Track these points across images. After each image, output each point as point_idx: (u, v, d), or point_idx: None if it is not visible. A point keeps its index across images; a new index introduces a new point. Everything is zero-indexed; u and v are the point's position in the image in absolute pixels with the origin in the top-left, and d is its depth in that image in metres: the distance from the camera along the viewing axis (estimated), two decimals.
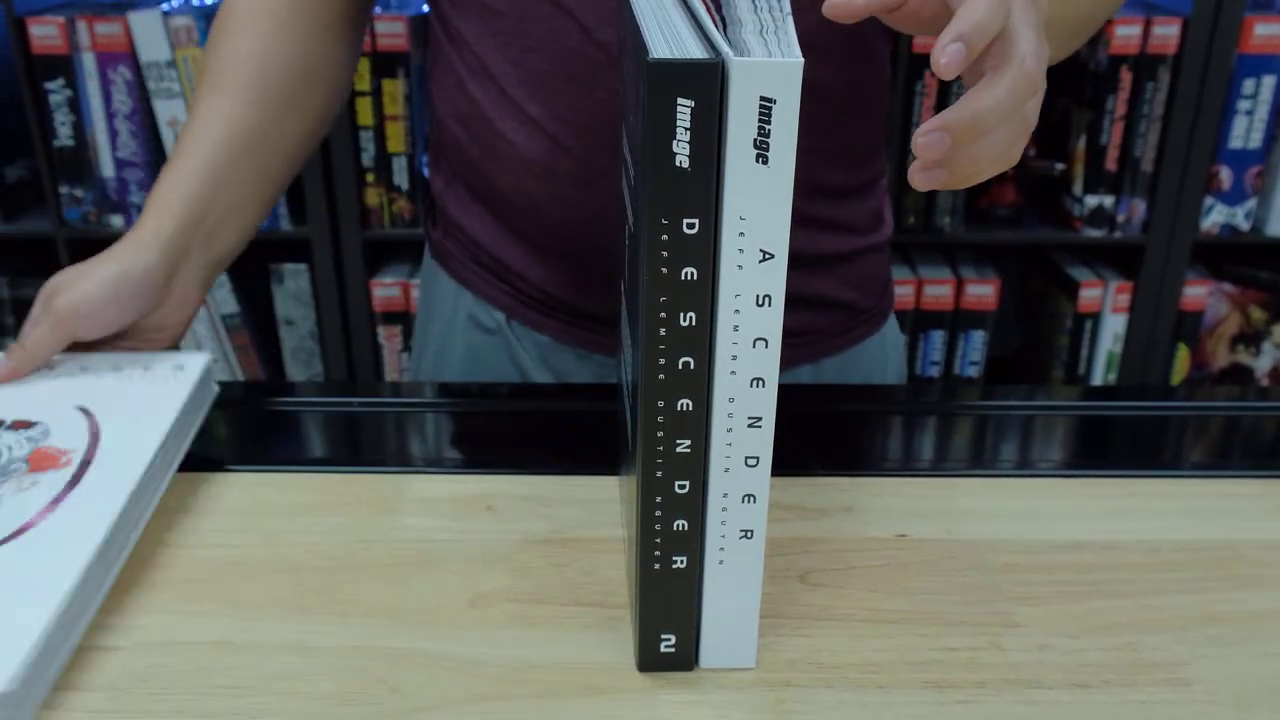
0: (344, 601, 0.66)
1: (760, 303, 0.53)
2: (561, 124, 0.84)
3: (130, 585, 0.68)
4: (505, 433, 0.87)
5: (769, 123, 0.50)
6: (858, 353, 0.99)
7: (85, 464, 0.68)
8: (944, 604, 0.66)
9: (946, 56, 0.53)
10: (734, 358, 0.54)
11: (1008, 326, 2.28)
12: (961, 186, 0.57)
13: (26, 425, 0.73)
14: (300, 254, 2.07)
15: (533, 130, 0.86)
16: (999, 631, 0.64)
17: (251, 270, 2.12)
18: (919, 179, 0.57)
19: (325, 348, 2.14)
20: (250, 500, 0.76)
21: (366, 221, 2.02)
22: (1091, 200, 1.99)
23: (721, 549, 0.58)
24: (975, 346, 2.13)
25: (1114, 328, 2.09)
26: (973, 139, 0.55)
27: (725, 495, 0.57)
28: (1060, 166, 2.03)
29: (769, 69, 0.49)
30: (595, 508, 0.75)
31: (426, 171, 1.99)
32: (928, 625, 0.65)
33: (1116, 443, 0.86)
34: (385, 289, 2.08)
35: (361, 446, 0.86)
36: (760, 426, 0.55)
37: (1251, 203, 1.99)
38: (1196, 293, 2.09)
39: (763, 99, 0.49)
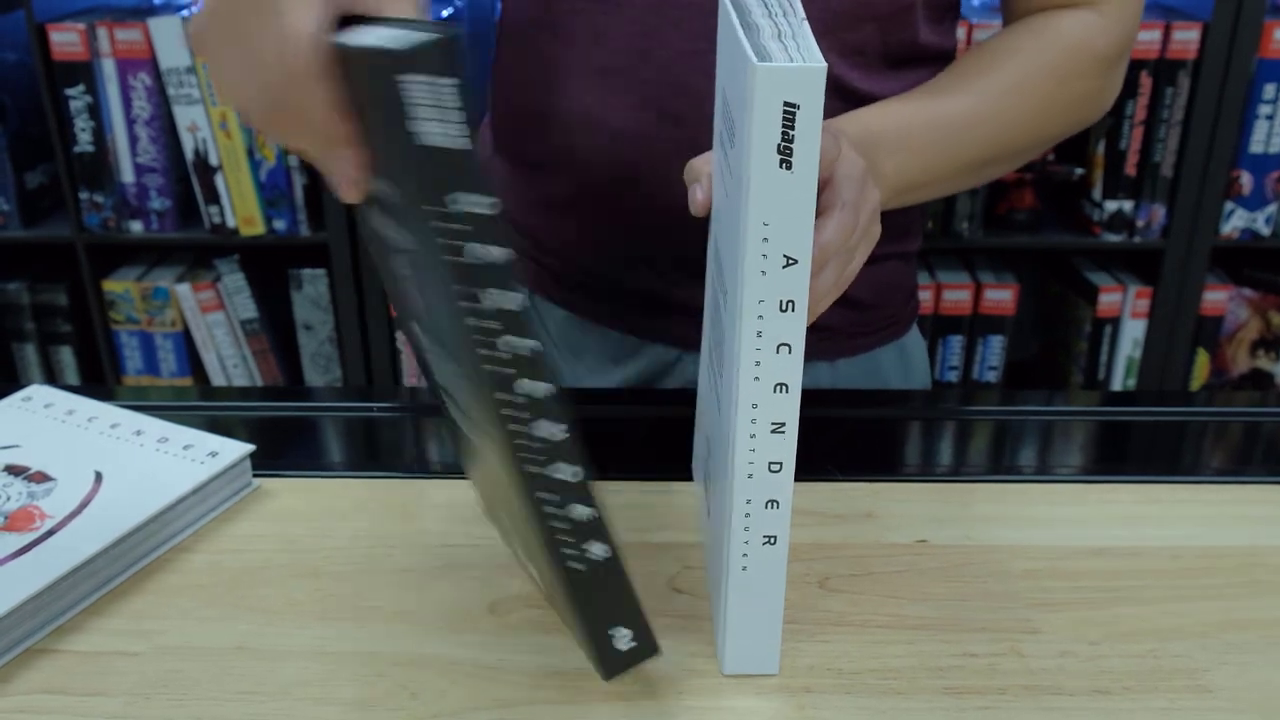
0: (363, 607, 0.67)
1: (784, 308, 0.53)
2: (618, 76, 0.86)
3: (150, 590, 0.68)
4: None
5: (792, 128, 0.50)
6: (876, 358, 0.99)
7: (49, 533, 0.68)
8: (964, 610, 0.66)
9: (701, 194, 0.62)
10: (757, 363, 0.54)
11: (1026, 332, 2.27)
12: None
13: (41, 479, 0.73)
14: (319, 259, 2.08)
15: (586, 83, 0.87)
16: (1019, 638, 0.64)
17: (270, 276, 2.12)
18: None
19: (343, 353, 2.14)
20: (270, 506, 0.76)
21: None
22: (1111, 205, 1.99)
23: (745, 554, 0.58)
24: (994, 351, 2.12)
25: (1133, 333, 2.08)
26: (815, 272, 0.61)
27: (749, 501, 0.57)
28: (1079, 171, 2.02)
29: (792, 74, 0.49)
30: (613, 513, 0.74)
31: None
32: (948, 631, 0.65)
33: (1136, 449, 0.85)
34: None
35: (381, 452, 0.86)
36: (784, 432, 0.55)
37: (1272, 208, 1.98)
38: (1216, 298, 2.08)
39: (786, 104, 0.49)
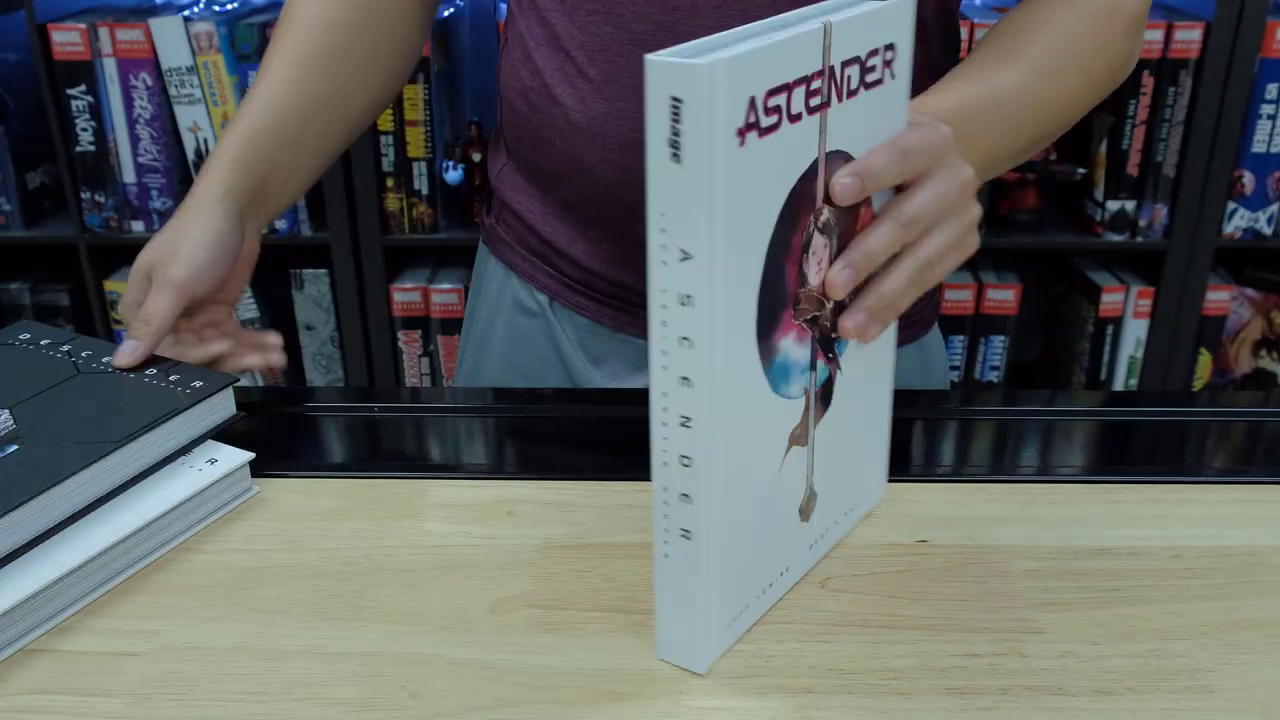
0: (364, 607, 0.66)
1: (683, 302, 0.53)
2: (618, 86, 0.86)
3: (150, 590, 0.68)
4: (526, 438, 0.87)
5: (679, 121, 0.50)
6: (896, 358, 0.98)
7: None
8: (965, 610, 0.66)
9: (841, 189, 0.60)
10: (664, 353, 0.55)
11: (1029, 332, 2.27)
12: (883, 319, 0.64)
13: None
14: (320, 259, 2.08)
15: (589, 93, 0.87)
16: (1021, 638, 0.64)
17: (272, 276, 2.13)
18: (850, 327, 0.63)
19: (345, 353, 2.14)
20: (271, 506, 0.76)
21: (386, 227, 2.03)
22: (1113, 205, 1.99)
23: (666, 543, 0.59)
24: (996, 351, 2.12)
25: (1135, 333, 2.08)
26: (865, 272, 0.62)
27: (665, 489, 0.57)
28: (1081, 171, 2.02)
29: (677, 70, 0.50)
30: (616, 513, 0.74)
31: (447, 175, 2.01)
32: (949, 632, 0.64)
33: (1138, 449, 0.85)
34: (405, 294, 2.08)
35: (382, 452, 0.86)
36: (691, 427, 0.55)
37: (1274, 207, 1.98)
38: (1219, 298, 2.08)
39: (673, 98, 0.50)
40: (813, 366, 0.62)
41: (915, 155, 0.64)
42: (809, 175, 0.58)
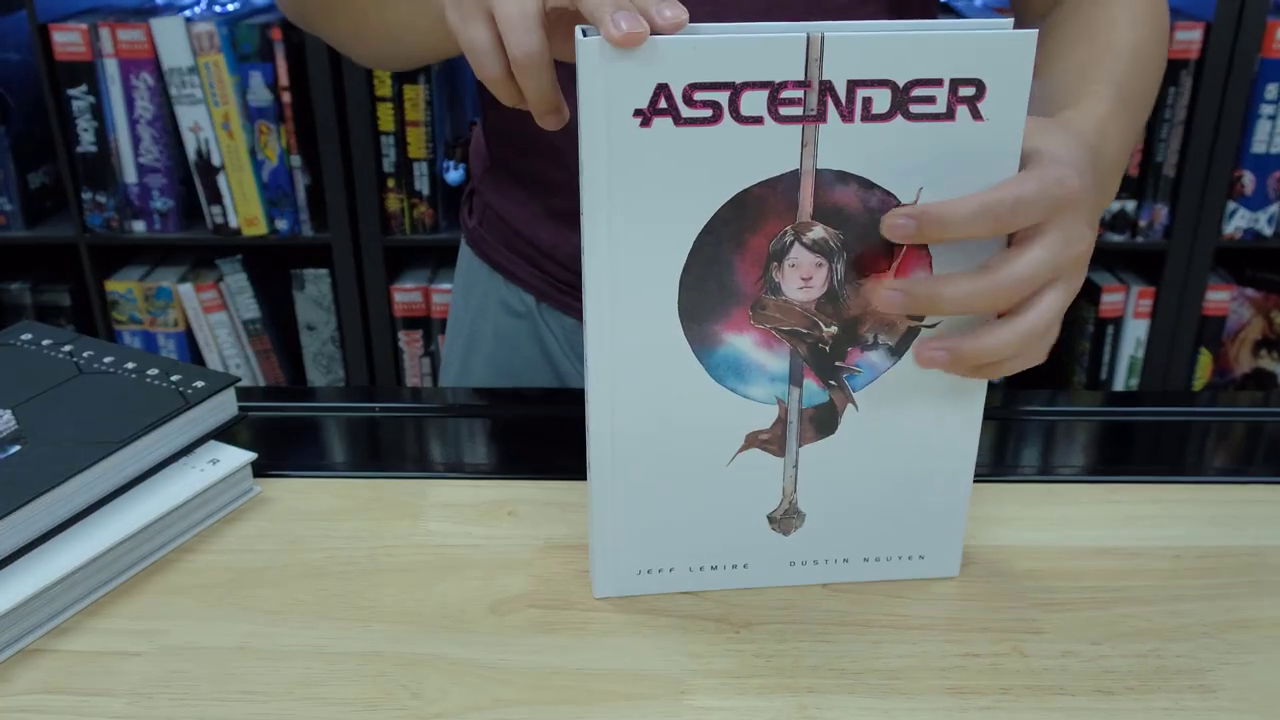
0: (365, 607, 0.67)
1: (585, 253, 0.61)
2: None
3: (152, 591, 0.68)
4: (526, 438, 0.87)
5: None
6: None
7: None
8: (966, 610, 0.66)
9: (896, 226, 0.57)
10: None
11: None
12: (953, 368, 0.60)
13: None
14: (321, 259, 2.08)
15: (569, 99, 0.87)
16: (1022, 638, 0.64)
17: (273, 276, 2.13)
18: (923, 354, 0.60)
19: (346, 353, 2.14)
20: (272, 506, 0.76)
21: (387, 227, 2.03)
22: (1113, 205, 1.99)
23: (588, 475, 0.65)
24: None
25: (1136, 333, 2.08)
26: (915, 310, 0.59)
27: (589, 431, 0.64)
28: None
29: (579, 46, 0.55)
30: None
31: (448, 175, 2.01)
32: (950, 631, 0.64)
33: (1139, 448, 0.85)
34: (406, 294, 2.08)
35: (383, 452, 0.86)
36: (589, 368, 0.63)
37: (1275, 207, 1.98)
38: (1219, 298, 2.07)
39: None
40: (794, 381, 0.62)
41: (1027, 209, 0.57)
42: (779, 183, 0.57)
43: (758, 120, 0.56)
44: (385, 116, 1.95)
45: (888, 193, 0.58)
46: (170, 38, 1.90)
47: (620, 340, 0.61)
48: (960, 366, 0.59)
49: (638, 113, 0.55)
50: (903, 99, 0.56)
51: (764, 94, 0.55)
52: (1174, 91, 1.91)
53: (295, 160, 1.98)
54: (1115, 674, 0.61)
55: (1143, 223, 1.99)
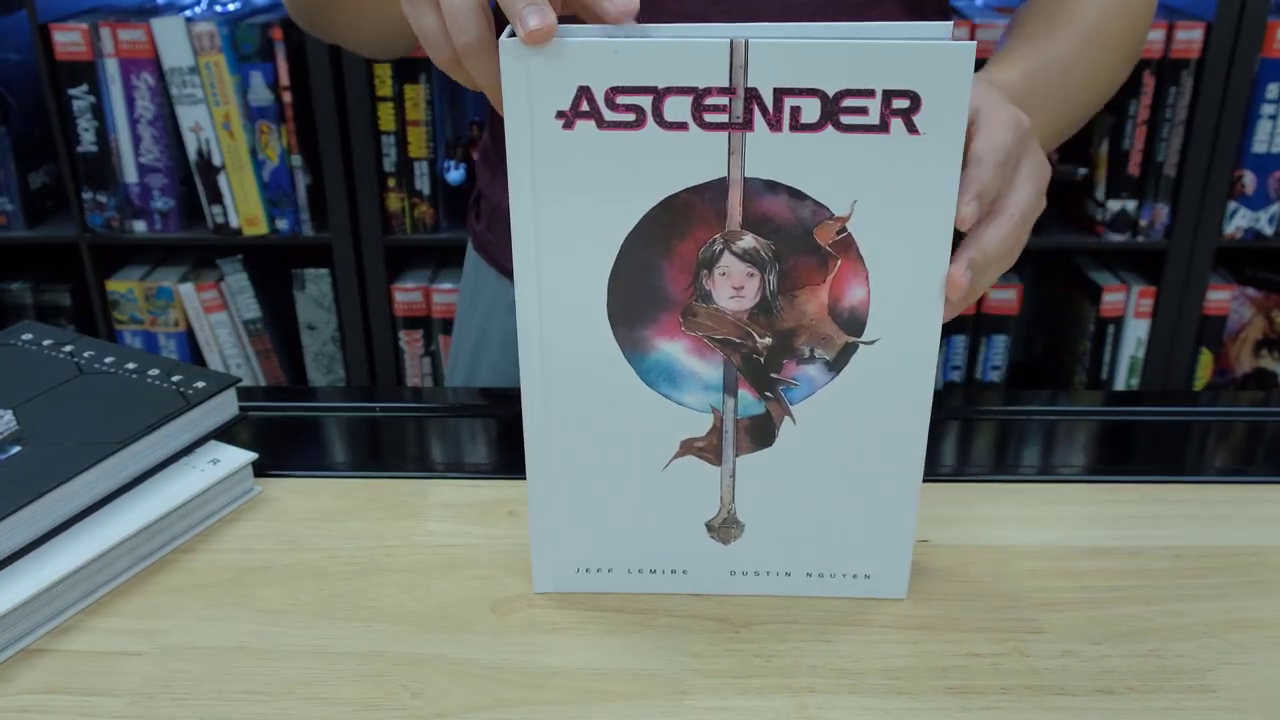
0: (366, 607, 0.67)
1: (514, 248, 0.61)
2: None
3: (152, 590, 0.68)
4: None
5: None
6: None
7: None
8: (967, 610, 0.66)
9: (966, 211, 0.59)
10: None
11: (1030, 331, 2.27)
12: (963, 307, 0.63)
13: None
14: (322, 259, 2.08)
15: None
16: (1022, 637, 0.64)
17: (273, 275, 2.13)
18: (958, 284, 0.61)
19: (347, 353, 2.14)
20: (273, 506, 0.76)
21: (388, 227, 2.03)
22: (1114, 205, 1.99)
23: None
24: (997, 351, 2.12)
25: (1137, 333, 2.08)
26: (982, 273, 0.62)
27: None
28: (1083, 171, 2.02)
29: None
30: None
31: (449, 175, 2.01)
32: (951, 631, 0.65)
33: (1139, 448, 0.85)
34: (406, 294, 2.08)
35: (383, 452, 0.86)
36: (524, 356, 0.64)
37: (1275, 207, 1.98)
38: (1220, 298, 2.07)
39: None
40: (729, 391, 0.62)
41: (1014, 155, 0.63)
42: (706, 190, 0.57)
43: (682, 126, 0.55)
44: (386, 116, 1.95)
45: (819, 204, 0.57)
46: (171, 37, 1.90)
47: (550, 340, 0.62)
48: (982, 273, 0.62)
49: (560, 114, 0.55)
50: (833, 109, 0.55)
51: (688, 100, 0.55)
52: (1175, 91, 1.91)
53: (296, 160, 1.98)
54: (1115, 674, 0.61)
55: (1143, 222, 1.99)
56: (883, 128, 0.55)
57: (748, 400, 0.62)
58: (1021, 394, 0.93)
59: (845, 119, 0.55)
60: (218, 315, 2.11)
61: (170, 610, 0.66)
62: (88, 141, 1.97)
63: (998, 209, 0.62)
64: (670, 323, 0.60)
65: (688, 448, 0.64)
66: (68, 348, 0.81)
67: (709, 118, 0.55)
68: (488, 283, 1.03)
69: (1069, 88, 0.81)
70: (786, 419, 0.63)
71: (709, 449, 0.64)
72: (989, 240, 0.62)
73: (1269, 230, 2.00)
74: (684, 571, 0.67)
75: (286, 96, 1.94)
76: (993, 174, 0.60)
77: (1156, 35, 1.87)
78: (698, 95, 0.54)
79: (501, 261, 1.01)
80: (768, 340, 0.61)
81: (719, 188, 0.57)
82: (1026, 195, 0.64)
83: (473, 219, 1.07)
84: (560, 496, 0.66)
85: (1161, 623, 0.65)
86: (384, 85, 1.93)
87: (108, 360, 0.80)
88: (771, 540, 0.66)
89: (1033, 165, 0.65)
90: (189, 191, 2.03)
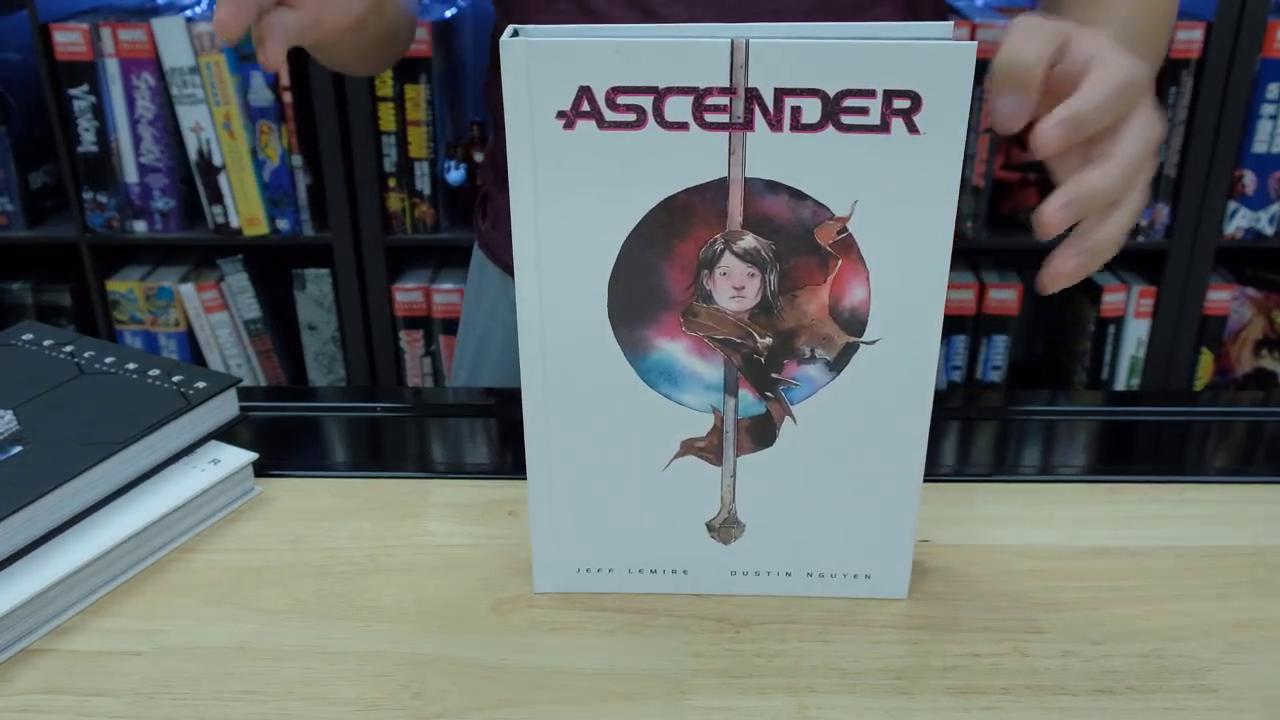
0: (366, 607, 0.67)
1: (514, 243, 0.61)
2: None
3: (152, 590, 0.68)
4: None
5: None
6: None
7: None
8: (967, 610, 0.66)
9: (1047, 135, 0.55)
10: None
11: (1030, 331, 2.27)
12: (1090, 268, 0.59)
13: None
14: (322, 259, 2.08)
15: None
16: (1023, 637, 0.64)
17: (274, 276, 2.13)
18: (1049, 280, 0.59)
19: (347, 353, 2.14)
20: (273, 506, 0.76)
21: (388, 227, 2.03)
22: None
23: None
24: (998, 351, 2.12)
25: (1137, 333, 2.08)
26: (1085, 213, 0.58)
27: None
28: None
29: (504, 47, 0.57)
30: None
31: (449, 175, 2.00)
32: (951, 631, 0.65)
33: (1140, 448, 0.85)
34: (407, 294, 2.08)
35: (384, 452, 0.86)
36: (526, 349, 0.63)
37: (1276, 207, 1.98)
38: (1220, 298, 2.07)
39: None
40: (729, 391, 0.62)
41: (1125, 95, 0.58)
42: (707, 190, 0.57)
43: (683, 126, 0.55)
44: (386, 116, 1.95)
45: (820, 204, 0.57)
46: (171, 37, 1.90)
47: (551, 339, 0.62)
48: (1088, 268, 0.59)
49: (561, 114, 0.56)
50: (833, 109, 0.55)
51: (688, 100, 0.55)
52: (1175, 91, 1.91)
53: (296, 160, 1.98)
54: (1116, 674, 0.61)
55: (1144, 222, 1.99)
56: (883, 128, 0.55)
57: (748, 400, 0.62)
58: (1022, 394, 0.93)
59: (846, 119, 0.55)
60: (218, 315, 2.11)
61: (170, 610, 0.66)
62: (88, 141, 1.97)
63: (1102, 154, 0.58)
64: (671, 323, 0.60)
65: (688, 448, 0.64)
66: (68, 348, 0.81)
67: (710, 118, 0.55)
68: (492, 281, 1.04)
69: (1158, 24, 0.81)
70: (787, 419, 0.63)
71: (709, 449, 0.64)
72: (1089, 180, 0.57)
73: (1269, 230, 2.00)
74: (684, 571, 0.68)
75: (287, 96, 1.94)
76: (1093, 106, 0.56)
77: None
78: (698, 95, 0.55)
79: (506, 261, 1.01)
80: (768, 340, 0.61)
81: (720, 188, 0.57)
82: (1135, 145, 0.58)
83: (478, 218, 1.07)
84: (561, 496, 0.66)
85: (1162, 623, 0.65)
86: (384, 85, 1.93)
87: (108, 360, 0.80)
88: (772, 540, 0.66)
89: (1145, 120, 0.59)
90: (189, 191, 2.03)
